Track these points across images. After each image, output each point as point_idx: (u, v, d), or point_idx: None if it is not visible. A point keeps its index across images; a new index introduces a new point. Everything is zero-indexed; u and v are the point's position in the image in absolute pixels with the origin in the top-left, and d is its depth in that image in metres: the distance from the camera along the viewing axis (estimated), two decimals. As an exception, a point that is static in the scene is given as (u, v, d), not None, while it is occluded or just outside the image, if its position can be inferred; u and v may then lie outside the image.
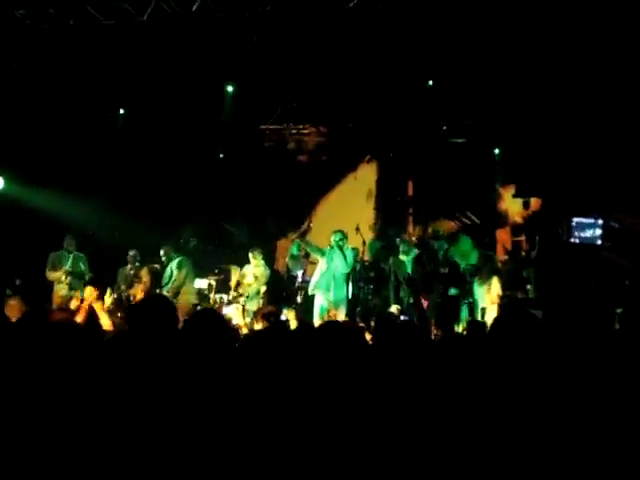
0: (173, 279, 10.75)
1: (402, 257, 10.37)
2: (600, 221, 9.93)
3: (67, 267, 10.70)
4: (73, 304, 9.03)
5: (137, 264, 11.20)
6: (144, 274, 11.23)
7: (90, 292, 5.85)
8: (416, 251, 10.65)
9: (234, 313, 10.59)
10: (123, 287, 10.85)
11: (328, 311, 9.71)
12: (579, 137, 10.45)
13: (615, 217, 10.20)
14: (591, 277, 9.37)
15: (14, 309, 6.78)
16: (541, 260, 9.91)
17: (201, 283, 11.25)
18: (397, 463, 2.29)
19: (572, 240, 9.84)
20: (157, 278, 11.39)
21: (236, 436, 2.35)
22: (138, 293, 10.78)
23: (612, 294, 8.86)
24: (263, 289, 11.05)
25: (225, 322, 3.33)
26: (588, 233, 9.89)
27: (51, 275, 10.73)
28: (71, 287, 10.65)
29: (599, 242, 9.82)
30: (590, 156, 10.34)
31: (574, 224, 9.90)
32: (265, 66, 11.14)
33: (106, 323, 5.65)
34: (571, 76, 9.93)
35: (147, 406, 2.54)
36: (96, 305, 5.73)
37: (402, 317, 8.91)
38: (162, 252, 11.05)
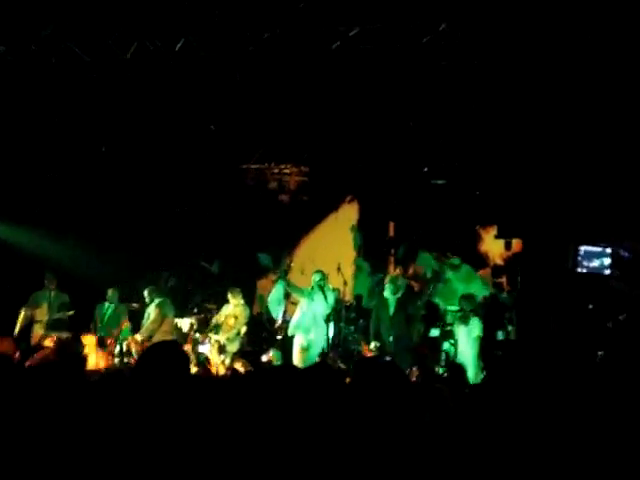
0: (150, 320, 10.67)
1: (387, 295, 10.30)
2: (608, 250, 9.73)
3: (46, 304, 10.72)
4: (47, 342, 8.93)
5: (115, 303, 11.13)
6: (122, 313, 11.19)
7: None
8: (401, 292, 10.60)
9: (210, 351, 10.53)
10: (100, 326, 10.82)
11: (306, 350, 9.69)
12: (565, 171, 10.44)
13: (627, 245, 9.96)
14: (594, 307, 9.19)
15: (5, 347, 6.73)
16: (522, 301, 9.85)
17: (182, 323, 11.15)
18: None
19: (579, 270, 9.63)
20: (135, 317, 11.30)
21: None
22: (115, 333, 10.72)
23: (596, 336, 8.78)
24: (244, 329, 10.95)
25: (179, 352, 3.25)
26: (596, 262, 9.68)
27: (24, 312, 10.67)
28: (48, 327, 10.58)
29: (607, 272, 9.61)
30: (585, 186, 10.27)
31: (582, 253, 9.69)
32: (247, 105, 11.17)
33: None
34: (554, 111, 9.97)
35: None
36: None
37: (386, 357, 8.84)
38: (146, 293, 11.00)
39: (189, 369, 3.36)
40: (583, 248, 9.78)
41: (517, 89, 9.93)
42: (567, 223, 10.34)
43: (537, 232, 11.06)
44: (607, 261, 9.77)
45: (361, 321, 11.56)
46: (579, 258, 9.82)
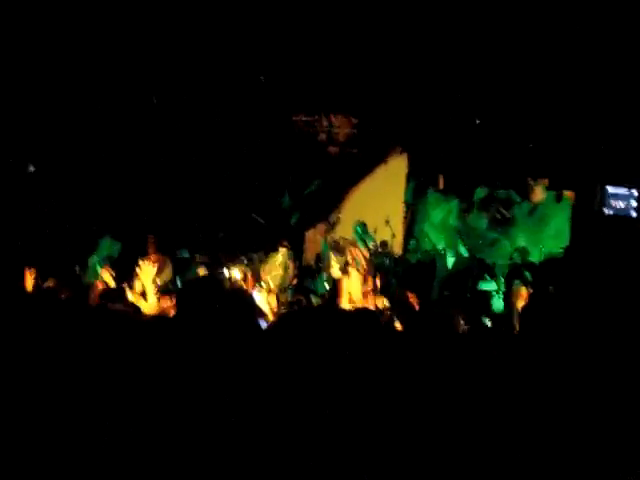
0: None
1: None
2: (635, 192, 9.58)
3: None
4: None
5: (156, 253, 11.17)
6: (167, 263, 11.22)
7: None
8: None
9: (261, 300, 10.60)
10: None
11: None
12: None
13: None
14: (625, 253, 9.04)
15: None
16: (573, 252, 9.70)
17: (234, 272, 11.20)
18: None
19: (605, 210, 9.51)
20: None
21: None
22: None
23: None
24: (295, 281, 11.04)
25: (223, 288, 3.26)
26: (622, 204, 9.53)
27: None
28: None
29: (634, 214, 9.47)
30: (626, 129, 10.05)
31: (609, 194, 9.55)
32: (298, 55, 11.11)
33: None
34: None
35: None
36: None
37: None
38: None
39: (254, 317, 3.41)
40: (610, 189, 9.61)
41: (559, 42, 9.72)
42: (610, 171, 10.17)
43: (589, 184, 10.87)
44: (634, 203, 9.63)
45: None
46: (606, 199, 9.68)
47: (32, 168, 10.70)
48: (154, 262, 10.74)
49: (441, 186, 14.00)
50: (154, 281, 6.77)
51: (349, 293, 10.21)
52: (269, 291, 10.35)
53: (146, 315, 5.78)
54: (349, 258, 10.05)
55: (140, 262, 10.59)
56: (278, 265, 10.97)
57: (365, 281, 10.09)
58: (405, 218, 14.00)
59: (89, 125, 11.79)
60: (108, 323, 3.04)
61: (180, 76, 11.82)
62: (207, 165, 13.16)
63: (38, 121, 11.08)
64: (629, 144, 9.92)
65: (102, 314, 3.26)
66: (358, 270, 9.87)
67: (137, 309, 6.20)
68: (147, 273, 6.71)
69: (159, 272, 10.46)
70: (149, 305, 6.06)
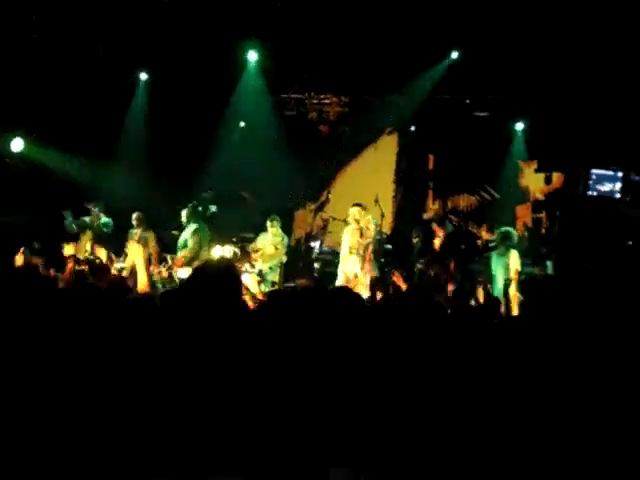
0: (188, 247, 10.70)
1: None
2: (620, 174, 9.51)
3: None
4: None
5: (144, 227, 11.11)
6: (151, 238, 11.13)
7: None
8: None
9: (250, 282, 10.60)
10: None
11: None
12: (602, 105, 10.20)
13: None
14: (611, 235, 9.06)
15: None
16: (562, 236, 9.74)
17: (224, 251, 11.13)
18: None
19: (590, 193, 9.45)
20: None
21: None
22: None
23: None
24: (285, 259, 11.01)
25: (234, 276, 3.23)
26: (607, 187, 9.48)
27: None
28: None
29: (617, 196, 9.39)
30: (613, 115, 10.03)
31: (593, 177, 9.49)
32: (288, 34, 11.02)
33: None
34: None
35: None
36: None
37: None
38: (184, 214, 10.97)
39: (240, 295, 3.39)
40: (594, 172, 9.54)
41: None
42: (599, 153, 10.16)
43: (577, 165, 10.88)
44: (618, 185, 9.55)
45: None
46: (590, 182, 9.62)
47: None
48: (139, 236, 10.81)
49: (431, 166, 14.01)
50: (143, 258, 6.75)
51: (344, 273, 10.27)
52: (258, 273, 10.38)
53: (137, 292, 5.79)
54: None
55: (129, 241, 10.60)
56: (267, 244, 10.95)
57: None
58: (394, 198, 14.02)
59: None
60: (94, 302, 3.03)
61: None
62: (199, 141, 13.11)
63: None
64: (616, 126, 9.92)
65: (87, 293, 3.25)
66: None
67: (127, 287, 6.20)
68: (134, 251, 6.70)
69: (144, 246, 10.49)
70: (141, 282, 6.06)
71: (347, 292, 3.21)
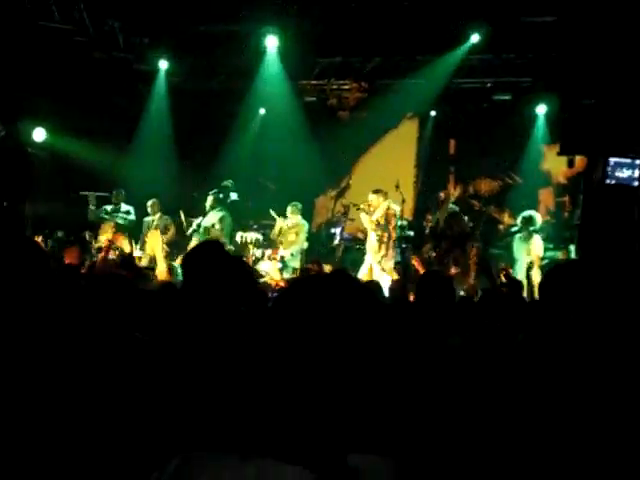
0: (216, 231, 10.75)
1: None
2: (638, 161, 9.33)
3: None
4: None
5: (159, 214, 11.19)
6: (170, 225, 11.21)
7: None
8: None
9: (270, 269, 10.64)
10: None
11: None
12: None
13: None
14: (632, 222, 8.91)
15: (72, 257, 6.94)
16: (586, 219, 9.61)
17: (246, 237, 11.18)
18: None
19: (607, 181, 9.28)
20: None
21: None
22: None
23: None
24: (305, 245, 11.02)
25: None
26: (625, 174, 9.29)
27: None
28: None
29: (636, 183, 9.22)
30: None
31: (612, 164, 9.31)
32: (307, 19, 10.96)
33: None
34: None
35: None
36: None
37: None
38: (209, 200, 11.04)
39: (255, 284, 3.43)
40: (612, 159, 9.35)
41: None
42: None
43: (600, 148, 10.73)
44: (637, 173, 9.36)
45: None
46: (608, 169, 9.43)
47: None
48: (157, 224, 10.88)
49: (452, 151, 13.92)
50: (162, 247, 6.79)
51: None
52: (278, 259, 10.41)
53: (157, 281, 5.81)
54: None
55: (147, 229, 10.67)
56: (288, 230, 10.97)
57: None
58: (415, 183, 13.96)
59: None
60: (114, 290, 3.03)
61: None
62: (219, 129, 13.13)
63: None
64: (635, 113, 9.76)
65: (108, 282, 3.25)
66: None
67: (146, 275, 6.24)
68: (155, 239, 6.73)
69: (163, 233, 10.55)
70: (160, 271, 6.09)
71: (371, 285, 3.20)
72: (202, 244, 3.43)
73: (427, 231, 11.15)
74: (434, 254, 10.18)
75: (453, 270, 9.60)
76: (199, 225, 10.98)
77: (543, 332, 2.62)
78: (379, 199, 10.18)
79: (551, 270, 3.08)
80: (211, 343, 2.59)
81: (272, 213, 11.15)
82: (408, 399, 2.09)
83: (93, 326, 2.71)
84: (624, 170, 9.17)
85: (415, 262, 9.42)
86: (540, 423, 2.05)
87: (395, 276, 9.50)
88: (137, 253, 9.60)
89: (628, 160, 9.23)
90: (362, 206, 10.24)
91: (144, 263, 8.95)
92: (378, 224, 10.12)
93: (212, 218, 10.97)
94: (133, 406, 2.35)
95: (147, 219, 11.32)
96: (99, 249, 9.49)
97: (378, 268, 9.91)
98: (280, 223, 11.07)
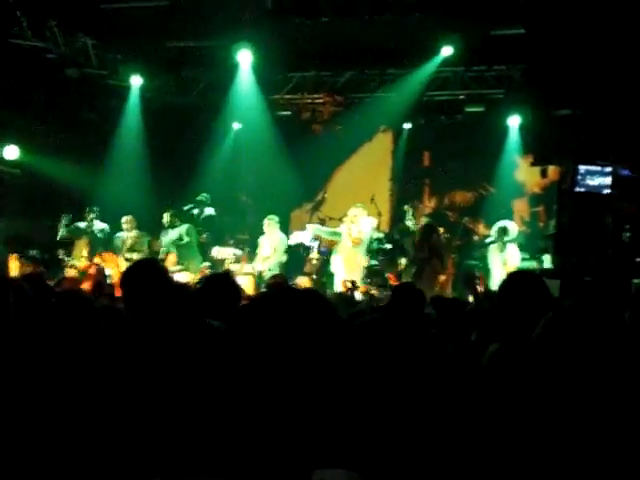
0: (184, 241, 10.76)
1: (408, 224, 10.49)
2: (608, 169, 9.38)
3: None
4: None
5: (134, 231, 11.13)
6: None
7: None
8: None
9: (246, 284, 10.60)
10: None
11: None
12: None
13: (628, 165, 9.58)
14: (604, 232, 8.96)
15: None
16: (560, 229, 9.66)
17: (222, 253, 11.16)
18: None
19: (577, 189, 9.31)
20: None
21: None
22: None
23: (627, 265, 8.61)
24: (284, 259, 10.98)
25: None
26: (596, 181, 9.32)
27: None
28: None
29: (606, 191, 9.26)
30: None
31: (582, 171, 9.34)
32: (280, 34, 10.98)
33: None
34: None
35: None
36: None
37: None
38: (166, 217, 11.03)
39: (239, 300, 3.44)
40: (582, 167, 9.40)
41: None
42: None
43: (573, 158, 10.83)
44: (607, 180, 9.39)
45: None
46: (578, 177, 9.48)
47: None
48: (132, 242, 10.87)
49: (426, 163, 14.00)
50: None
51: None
52: (253, 275, 10.39)
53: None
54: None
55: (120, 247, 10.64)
56: (265, 245, 10.94)
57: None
58: (391, 196, 14.00)
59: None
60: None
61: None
62: (193, 144, 13.10)
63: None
64: (607, 122, 9.86)
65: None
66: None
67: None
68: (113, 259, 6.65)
69: (138, 250, 10.58)
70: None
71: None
72: (137, 264, 3.54)
73: (402, 244, 11.19)
74: (411, 266, 10.22)
75: (442, 277, 9.72)
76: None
77: (514, 343, 2.63)
78: (363, 212, 10.26)
79: (508, 277, 3.11)
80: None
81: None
82: (370, 413, 2.08)
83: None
84: (594, 178, 9.20)
85: (390, 276, 9.51)
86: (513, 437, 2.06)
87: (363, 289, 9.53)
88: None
89: (598, 168, 9.27)
90: (346, 219, 10.30)
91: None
92: (358, 240, 10.19)
93: (176, 233, 10.96)
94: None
95: (119, 235, 11.24)
96: (73, 266, 9.43)
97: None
98: (262, 240, 11.07)
